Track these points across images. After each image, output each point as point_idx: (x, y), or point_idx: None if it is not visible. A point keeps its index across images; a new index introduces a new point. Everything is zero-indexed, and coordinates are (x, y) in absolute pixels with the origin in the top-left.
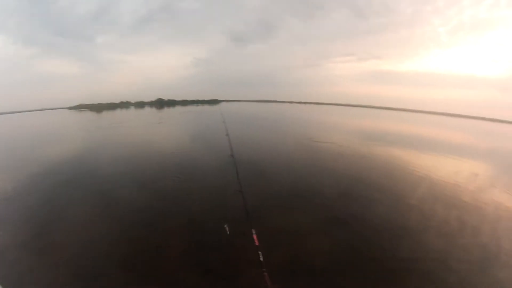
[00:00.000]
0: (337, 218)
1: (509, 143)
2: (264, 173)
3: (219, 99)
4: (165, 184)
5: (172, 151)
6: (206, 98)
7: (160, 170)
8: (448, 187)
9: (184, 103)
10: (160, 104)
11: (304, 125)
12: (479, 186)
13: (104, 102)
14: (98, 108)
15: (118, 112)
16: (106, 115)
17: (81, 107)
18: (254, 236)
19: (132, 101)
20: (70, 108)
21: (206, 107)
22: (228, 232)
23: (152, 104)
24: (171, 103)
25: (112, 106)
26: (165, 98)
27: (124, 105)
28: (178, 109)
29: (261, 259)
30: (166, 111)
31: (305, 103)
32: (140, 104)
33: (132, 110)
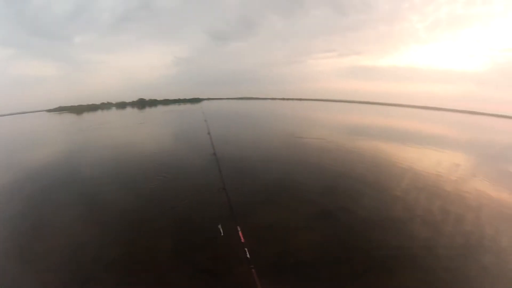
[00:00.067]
0: (323, 212)
1: (487, 135)
2: (248, 171)
3: (200, 97)
4: (150, 185)
5: (156, 151)
6: (187, 97)
7: (144, 171)
8: (431, 178)
9: (166, 102)
10: (141, 104)
11: (286, 121)
12: (460, 176)
13: (84, 103)
14: (78, 110)
15: (99, 113)
16: (87, 116)
17: (60, 110)
18: (240, 233)
19: (113, 102)
20: (49, 110)
21: (188, 106)
22: (222, 233)
23: (133, 104)
24: (153, 103)
25: (92, 108)
26: (147, 98)
27: (105, 106)
28: (160, 108)
29: (248, 256)
30: (148, 111)
31: (287, 99)
32: (122, 105)
33: (113, 111)
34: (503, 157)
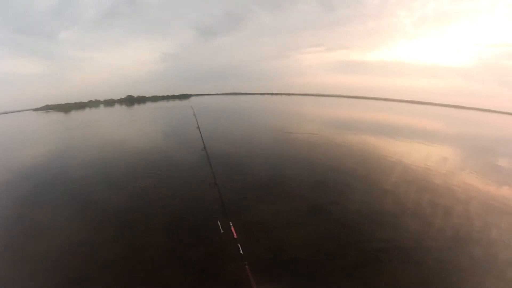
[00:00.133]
0: (315, 207)
1: (474, 129)
2: (238, 167)
3: (189, 93)
4: (141, 183)
5: (146, 149)
6: (176, 93)
7: (135, 169)
8: (420, 171)
9: (154, 99)
10: (130, 101)
11: (275, 116)
12: (449, 169)
13: (71, 101)
14: (65, 108)
15: (87, 111)
16: (75, 115)
17: (47, 108)
18: (232, 229)
19: (101, 99)
20: (36, 109)
21: (177, 102)
22: (221, 231)
23: (122, 101)
24: (141, 99)
25: (80, 106)
26: (135, 94)
27: (93, 104)
28: (149, 105)
29: (241, 252)
30: (137, 108)
31: (276, 94)
32: (110, 102)
33: (101, 108)
34: (490, 151)
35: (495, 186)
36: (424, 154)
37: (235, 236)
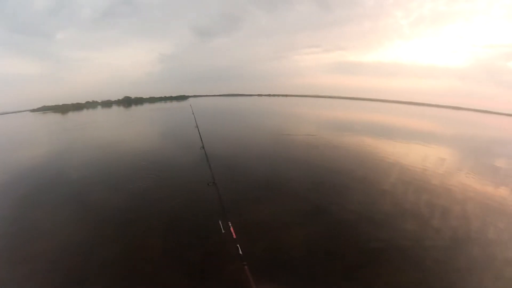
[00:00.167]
0: (313, 208)
1: (471, 129)
2: (236, 168)
3: (187, 94)
4: (141, 184)
5: (144, 150)
6: (173, 95)
7: (134, 170)
8: (418, 172)
9: (152, 100)
10: (127, 102)
11: (273, 118)
12: (446, 170)
13: (69, 102)
14: (63, 109)
15: (85, 112)
16: (72, 116)
17: (45, 109)
18: (231, 229)
19: (99, 101)
20: (33, 110)
21: (174, 104)
22: (223, 231)
23: (119, 102)
24: (139, 101)
25: (77, 107)
26: (132, 96)
27: (91, 105)
28: (146, 106)
29: (240, 252)
30: (134, 109)
31: (273, 95)
32: (107, 104)
33: (99, 109)
34: (487, 151)
35: (493, 187)
36: (421, 155)
37: (234, 236)
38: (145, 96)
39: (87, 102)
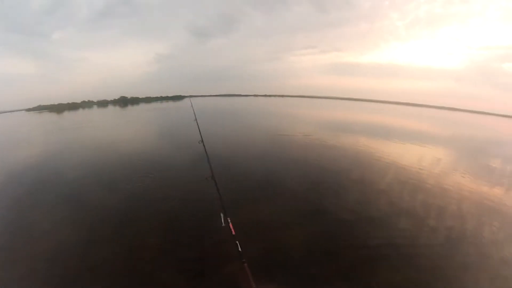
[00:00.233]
0: (310, 208)
1: (466, 130)
2: (234, 168)
3: (183, 95)
4: (139, 183)
5: (141, 150)
6: (169, 95)
7: (131, 170)
8: (415, 172)
9: (148, 100)
10: (123, 102)
11: (270, 118)
12: (443, 170)
13: (64, 102)
14: (58, 108)
15: (81, 112)
16: (68, 115)
17: (40, 109)
18: (230, 225)
19: (95, 100)
20: (28, 110)
21: (171, 104)
22: (223, 224)
23: (115, 102)
24: (135, 100)
25: (73, 106)
26: (128, 96)
27: (86, 104)
28: (142, 106)
29: (240, 249)
30: (130, 109)
31: (270, 96)
32: (103, 103)
33: (95, 109)
34: (482, 152)
35: (488, 187)
36: (418, 156)
37: (233, 232)
38: (141, 96)
39: (83, 102)
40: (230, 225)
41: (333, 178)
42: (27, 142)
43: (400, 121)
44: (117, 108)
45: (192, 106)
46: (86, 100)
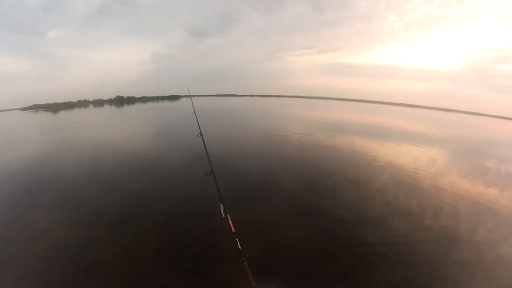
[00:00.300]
0: (307, 208)
1: (462, 131)
2: (231, 168)
3: (179, 94)
4: (137, 183)
5: (139, 150)
6: (166, 94)
7: (129, 170)
8: (410, 172)
9: (144, 99)
10: (120, 101)
11: (267, 118)
12: (437, 171)
13: (60, 101)
14: (54, 108)
15: (76, 111)
16: (64, 115)
17: (35, 108)
18: (230, 222)
19: (90, 99)
20: (23, 109)
21: (167, 103)
22: (223, 215)
23: (111, 101)
24: (131, 100)
25: (69, 106)
26: (125, 95)
27: (82, 104)
28: (139, 106)
29: (239, 247)
30: (127, 108)
31: (266, 96)
32: (99, 103)
33: (91, 108)
34: (477, 153)
35: (483, 187)
36: (413, 156)
37: (233, 229)
38: (137, 95)
39: (79, 101)
40: (230, 221)
41: (329, 178)
42: (23, 141)
43: (396, 121)
44: (113, 107)
45: (189, 92)
46: (82, 99)
